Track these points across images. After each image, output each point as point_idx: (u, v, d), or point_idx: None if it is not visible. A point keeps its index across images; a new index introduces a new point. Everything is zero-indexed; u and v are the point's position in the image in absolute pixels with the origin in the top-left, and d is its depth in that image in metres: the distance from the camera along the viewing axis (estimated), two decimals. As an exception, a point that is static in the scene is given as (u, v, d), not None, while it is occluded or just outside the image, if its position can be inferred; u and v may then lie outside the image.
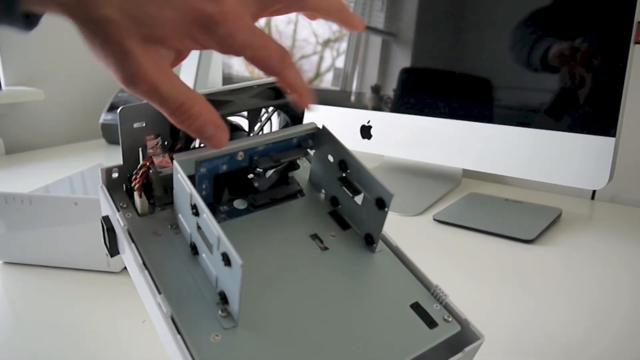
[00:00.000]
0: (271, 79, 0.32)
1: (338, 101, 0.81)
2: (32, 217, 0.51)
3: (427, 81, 0.72)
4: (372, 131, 0.77)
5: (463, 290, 0.48)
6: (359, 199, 0.32)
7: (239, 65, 0.96)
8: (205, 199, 0.32)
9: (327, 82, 0.85)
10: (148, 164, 0.31)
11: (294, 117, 0.35)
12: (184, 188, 0.27)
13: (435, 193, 0.75)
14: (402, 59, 0.74)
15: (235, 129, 0.34)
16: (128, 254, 0.29)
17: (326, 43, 0.83)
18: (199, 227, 0.27)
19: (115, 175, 0.32)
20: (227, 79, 0.97)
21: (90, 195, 0.67)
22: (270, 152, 0.32)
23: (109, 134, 1.12)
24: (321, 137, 0.33)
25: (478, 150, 0.67)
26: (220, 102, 0.31)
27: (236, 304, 0.25)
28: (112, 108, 1.11)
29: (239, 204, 0.33)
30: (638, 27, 0.53)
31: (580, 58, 0.58)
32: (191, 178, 0.30)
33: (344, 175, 0.32)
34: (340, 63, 0.82)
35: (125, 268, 0.52)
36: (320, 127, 0.33)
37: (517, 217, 0.64)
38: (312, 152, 0.35)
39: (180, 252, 0.29)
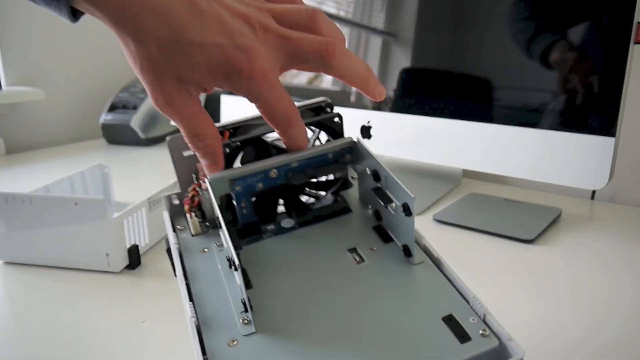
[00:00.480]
0: (320, 99, 0.35)
1: (338, 101, 0.81)
2: (32, 217, 0.51)
3: (427, 81, 0.72)
4: (372, 131, 0.77)
5: (463, 290, 0.48)
6: (392, 209, 0.32)
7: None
8: (246, 217, 0.33)
9: (327, 82, 0.85)
10: (197, 188, 0.33)
11: (335, 133, 0.35)
12: (214, 207, 0.29)
13: (435, 193, 0.75)
14: (402, 59, 0.74)
15: (282, 150, 0.35)
16: (177, 265, 0.31)
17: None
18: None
19: (176, 201, 0.35)
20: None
21: (90, 195, 0.68)
22: (306, 168, 0.33)
23: (109, 134, 1.12)
24: (358, 151, 0.34)
25: (478, 150, 0.67)
26: (254, 125, 0.33)
27: (249, 311, 0.27)
28: (112, 108, 1.11)
29: (286, 222, 0.35)
30: (638, 27, 0.53)
31: (578, 59, 0.58)
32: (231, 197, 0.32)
33: (378, 185, 0.32)
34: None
35: (125, 268, 0.53)
36: (354, 140, 0.34)
37: (517, 217, 0.65)
38: (352, 167, 0.36)
39: (220, 267, 0.31)
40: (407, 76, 0.74)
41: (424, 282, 0.29)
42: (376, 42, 0.77)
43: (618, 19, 0.54)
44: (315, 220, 0.34)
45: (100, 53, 1.24)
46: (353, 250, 0.32)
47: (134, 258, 0.52)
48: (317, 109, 0.35)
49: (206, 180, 0.31)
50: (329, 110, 0.35)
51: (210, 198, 0.30)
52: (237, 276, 0.26)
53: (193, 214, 0.33)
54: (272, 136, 0.34)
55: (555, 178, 0.60)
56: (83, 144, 1.17)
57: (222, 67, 0.28)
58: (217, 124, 0.32)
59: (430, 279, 0.29)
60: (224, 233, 0.27)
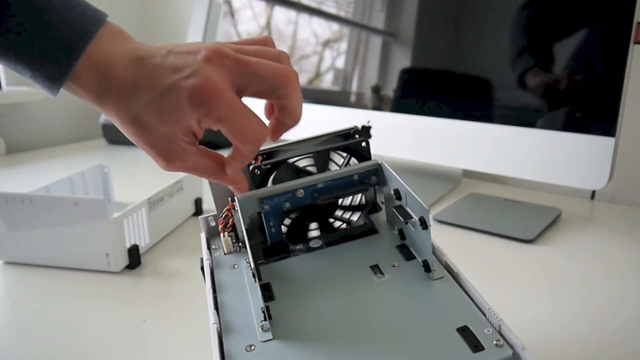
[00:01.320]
0: (350, 126, 0.37)
1: (338, 101, 0.81)
2: (32, 217, 0.51)
3: (427, 81, 0.72)
4: (372, 131, 0.77)
5: (463, 290, 0.48)
6: (412, 225, 0.33)
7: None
8: (275, 237, 0.35)
9: (327, 82, 0.85)
10: (231, 209, 0.36)
11: (362, 157, 0.37)
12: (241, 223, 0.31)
13: (435, 193, 0.75)
14: (402, 59, 0.74)
15: (309, 174, 0.37)
16: (208, 279, 0.34)
17: (326, 43, 0.83)
18: None
19: (212, 223, 0.38)
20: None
21: (90, 195, 0.68)
22: (332, 189, 0.34)
23: (109, 134, 1.12)
24: (383, 172, 0.35)
25: (478, 150, 0.67)
26: (286, 150, 0.36)
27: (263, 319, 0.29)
28: (112, 108, 1.11)
29: (315, 243, 0.36)
30: (638, 27, 0.53)
31: (578, 59, 0.58)
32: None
33: (400, 204, 0.33)
34: (340, 63, 0.82)
35: (125, 268, 0.53)
36: (379, 162, 0.35)
37: (517, 217, 0.65)
38: (376, 189, 0.37)
39: (246, 281, 0.33)
40: (407, 76, 0.74)
41: (441, 296, 0.30)
42: (376, 42, 0.78)
43: (618, 19, 0.54)
44: (342, 240, 0.36)
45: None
46: (375, 266, 0.33)
47: (134, 258, 0.52)
48: (346, 136, 0.38)
49: (236, 198, 0.32)
50: (357, 136, 0.37)
51: (238, 214, 0.32)
52: (257, 286, 0.29)
53: (226, 233, 0.36)
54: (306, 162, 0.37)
55: (555, 178, 0.60)
56: (83, 144, 1.17)
57: (185, 102, 0.30)
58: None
59: (448, 292, 0.30)
60: (247, 245, 0.30)
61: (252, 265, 0.29)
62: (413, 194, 0.31)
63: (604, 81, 0.56)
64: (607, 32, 0.55)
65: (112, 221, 0.50)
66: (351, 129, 0.38)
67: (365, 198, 0.38)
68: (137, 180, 0.86)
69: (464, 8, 0.67)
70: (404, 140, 0.74)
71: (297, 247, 0.36)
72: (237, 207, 0.32)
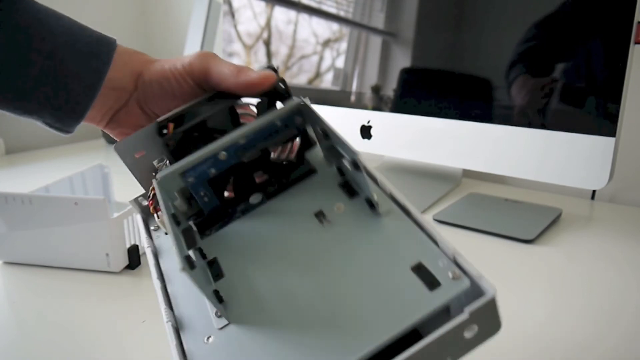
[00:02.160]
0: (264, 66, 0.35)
1: (338, 101, 0.81)
2: (32, 217, 0.51)
3: (427, 81, 0.72)
4: (372, 131, 0.77)
5: (463, 290, 0.48)
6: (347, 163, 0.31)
7: (238, 62, 0.96)
8: (209, 205, 0.32)
9: (327, 82, 0.85)
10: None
11: (282, 98, 0.34)
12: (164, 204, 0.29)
13: (435, 193, 0.75)
14: (402, 59, 0.74)
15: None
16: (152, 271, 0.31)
17: (326, 43, 0.83)
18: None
19: (145, 202, 0.34)
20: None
21: (90, 195, 0.68)
22: (256, 142, 0.31)
23: (109, 134, 1.12)
24: (306, 113, 0.32)
25: (478, 150, 0.67)
26: (196, 113, 0.33)
27: (211, 306, 0.27)
28: (112, 108, 1.11)
29: (254, 198, 0.33)
30: (638, 27, 0.53)
31: (578, 59, 0.58)
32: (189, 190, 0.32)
33: (330, 143, 0.32)
34: (340, 63, 0.82)
35: (125, 268, 0.53)
36: (301, 102, 0.32)
37: (517, 217, 0.65)
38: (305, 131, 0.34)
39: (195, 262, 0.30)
40: (407, 76, 0.74)
41: (391, 233, 0.28)
42: (376, 42, 0.77)
43: (618, 19, 0.54)
44: (281, 189, 0.33)
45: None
46: (320, 213, 0.30)
47: (134, 258, 0.52)
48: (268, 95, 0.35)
49: (153, 180, 0.30)
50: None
51: (160, 198, 0.29)
52: (191, 277, 0.25)
53: (159, 212, 0.33)
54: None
55: (555, 178, 0.60)
56: (83, 144, 1.17)
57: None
58: (158, 119, 0.33)
59: (398, 227, 0.28)
60: (173, 238, 0.26)
61: (180, 257, 0.25)
62: (339, 135, 0.29)
63: (605, 81, 0.56)
64: (608, 32, 0.55)
65: (112, 221, 0.50)
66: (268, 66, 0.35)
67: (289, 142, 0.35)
68: (137, 180, 0.86)
69: (464, 8, 0.67)
70: (404, 140, 0.74)
71: (238, 208, 0.33)
72: (155, 187, 0.29)
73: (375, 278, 0.26)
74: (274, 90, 0.34)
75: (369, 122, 0.77)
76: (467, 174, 0.83)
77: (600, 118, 0.56)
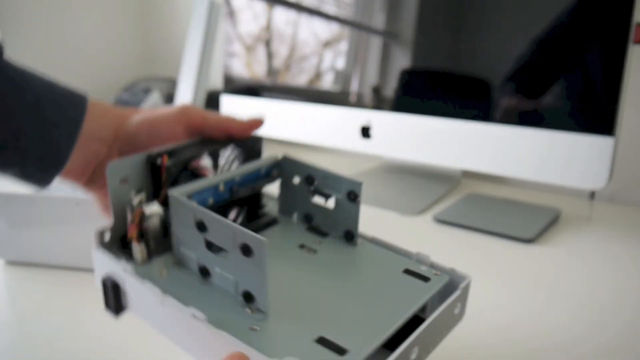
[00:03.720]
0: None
1: (338, 101, 0.81)
2: (34, 217, 0.51)
3: (427, 81, 0.72)
4: (372, 131, 0.77)
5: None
6: (331, 204, 0.36)
7: (239, 67, 0.96)
8: None
9: (327, 82, 0.85)
10: (141, 211, 0.33)
11: (250, 155, 0.39)
12: (186, 212, 0.30)
13: (435, 193, 0.75)
14: (402, 59, 0.74)
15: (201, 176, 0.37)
16: (141, 294, 0.30)
17: (326, 44, 0.84)
18: (207, 244, 0.30)
19: (107, 236, 0.33)
20: (227, 79, 0.97)
21: (91, 195, 0.68)
22: (246, 183, 0.37)
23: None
24: (285, 164, 0.38)
25: (478, 150, 0.67)
26: (184, 151, 0.36)
27: (264, 290, 0.28)
28: (113, 108, 1.11)
29: None
30: (637, 27, 0.53)
31: (578, 59, 0.58)
32: None
33: (312, 188, 0.37)
34: (340, 63, 0.83)
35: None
36: (281, 157, 0.38)
37: (517, 217, 0.65)
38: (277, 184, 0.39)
39: (189, 281, 0.31)
40: (407, 76, 0.74)
41: (374, 254, 0.35)
42: (376, 42, 0.78)
43: (617, 19, 0.54)
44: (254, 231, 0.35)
45: (101, 53, 1.24)
46: (302, 245, 0.35)
47: (135, 258, 0.52)
48: (232, 141, 0.39)
49: (170, 193, 0.31)
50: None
51: (180, 204, 0.31)
52: (257, 259, 0.27)
53: (135, 240, 0.32)
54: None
55: (554, 178, 0.61)
56: (83, 144, 1.17)
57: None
58: (150, 151, 0.34)
59: (375, 251, 0.35)
60: (219, 218, 0.28)
61: (243, 231, 0.27)
62: (335, 173, 0.35)
63: (604, 81, 0.56)
64: (606, 32, 0.55)
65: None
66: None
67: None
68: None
69: (464, 8, 0.67)
70: (403, 140, 0.74)
71: None
72: (171, 201, 0.31)
73: (380, 281, 0.32)
74: (252, 148, 0.39)
75: (369, 122, 0.77)
76: (467, 174, 0.83)
77: (600, 118, 0.56)
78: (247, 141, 0.39)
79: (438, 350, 0.30)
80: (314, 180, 0.36)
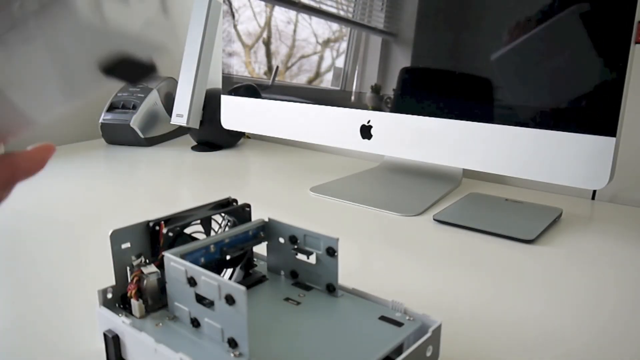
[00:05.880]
0: (225, 197, 0.43)
1: (338, 101, 0.81)
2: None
3: (428, 81, 0.72)
4: (372, 131, 0.77)
5: (463, 290, 0.48)
6: (313, 260, 0.39)
7: (238, 65, 0.96)
8: None
9: (327, 82, 0.85)
10: (140, 272, 0.37)
11: (242, 219, 0.43)
12: (179, 269, 0.34)
13: (435, 193, 0.75)
14: (402, 59, 0.74)
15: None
16: (138, 343, 0.34)
17: (326, 43, 0.83)
18: (197, 298, 0.33)
19: (109, 295, 0.37)
20: (226, 78, 0.97)
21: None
22: (235, 244, 0.40)
23: (108, 134, 1.12)
24: (270, 226, 0.42)
25: (478, 150, 0.66)
26: (180, 217, 0.40)
27: (245, 335, 0.30)
28: (112, 108, 1.11)
29: None
30: (638, 27, 0.53)
31: (578, 58, 0.58)
32: None
33: (295, 246, 0.40)
34: (340, 63, 0.82)
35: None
36: (267, 219, 0.42)
37: (517, 217, 0.64)
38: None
39: (182, 332, 0.34)
40: (407, 76, 0.74)
41: (353, 304, 0.38)
42: (376, 41, 0.77)
43: (618, 18, 0.54)
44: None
45: (100, 53, 1.24)
46: (287, 298, 0.39)
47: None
48: (227, 204, 0.43)
49: (165, 254, 0.34)
50: (235, 204, 0.43)
51: (174, 263, 0.34)
52: (238, 306, 0.30)
53: (135, 297, 0.37)
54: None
55: (555, 178, 0.60)
56: (82, 144, 1.17)
57: None
58: (150, 220, 0.38)
59: (355, 301, 0.38)
60: (207, 273, 0.31)
61: (226, 283, 0.30)
62: (314, 232, 0.38)
63: (605, 80, 0.56)
64: (608, 31, 0.55)
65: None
66: (227, 198, 0.43)
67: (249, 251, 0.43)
68: (137, 180, 0.86)
69: (464, 7, 0.67)
70: (404, 140, 0.74)
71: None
72: (165, 259, 0.35)
73: (356, 328, 0.35)
74: (241, 213, 0.43)
75: (369, 122, 0.77)
76: (467, 174, 0.83)
77: (601, 118, 0.56)
78: (237, 207, 0.42)
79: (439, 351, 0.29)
80: (297, 239, 0.40)
